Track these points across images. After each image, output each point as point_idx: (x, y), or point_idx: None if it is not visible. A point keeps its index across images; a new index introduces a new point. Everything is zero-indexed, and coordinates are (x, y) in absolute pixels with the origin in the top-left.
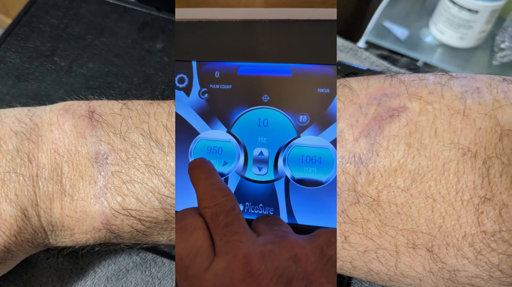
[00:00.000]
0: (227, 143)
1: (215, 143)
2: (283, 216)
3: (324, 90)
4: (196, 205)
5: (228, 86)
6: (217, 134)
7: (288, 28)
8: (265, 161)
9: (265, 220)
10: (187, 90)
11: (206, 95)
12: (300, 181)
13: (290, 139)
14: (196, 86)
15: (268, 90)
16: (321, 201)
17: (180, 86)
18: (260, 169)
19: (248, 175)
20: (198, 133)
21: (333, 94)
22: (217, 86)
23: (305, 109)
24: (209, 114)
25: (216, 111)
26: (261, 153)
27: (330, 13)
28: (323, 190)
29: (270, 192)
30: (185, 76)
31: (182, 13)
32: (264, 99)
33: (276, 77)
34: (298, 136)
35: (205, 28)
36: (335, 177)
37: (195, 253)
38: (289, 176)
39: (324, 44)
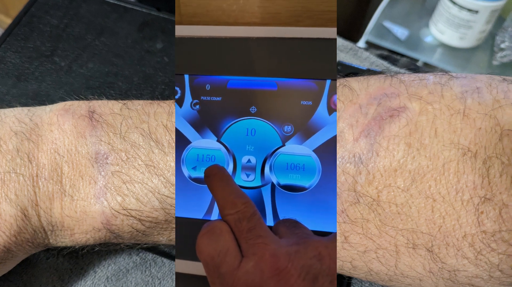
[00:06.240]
0: (217, 151)
1: (206, 151)
2: (269, 219)
3: (306, 103)
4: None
5: (218, 98)
6: (208, 143)
7: (279, 45)
8: (252, 168)
9: (285, 224)
10: (180, 102)
11: (197, 106)
12: (285, 187)
13: (275, 148)
14: (188, 98)
15: (255, 102)
16: (304, 205)
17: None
18: (248, 175)
19: (237, 181)
20: (190, 142)
21: (315, 106)
22: (208, 98)
23: (289, 119)
24: (200, 124)
25: (207, 121)
26: (249, 160)
27: (330, 32)
28: (306, 195)
29: (257, 197)
30: (177, 89)
31: (181, 30)
32: (252, 110)
33: (263, 90)
34: (283, 145)
35: (198, 44)
36: (318, 182)
37: (225, 253)
38: (275, 182)
39: (323, 60)
